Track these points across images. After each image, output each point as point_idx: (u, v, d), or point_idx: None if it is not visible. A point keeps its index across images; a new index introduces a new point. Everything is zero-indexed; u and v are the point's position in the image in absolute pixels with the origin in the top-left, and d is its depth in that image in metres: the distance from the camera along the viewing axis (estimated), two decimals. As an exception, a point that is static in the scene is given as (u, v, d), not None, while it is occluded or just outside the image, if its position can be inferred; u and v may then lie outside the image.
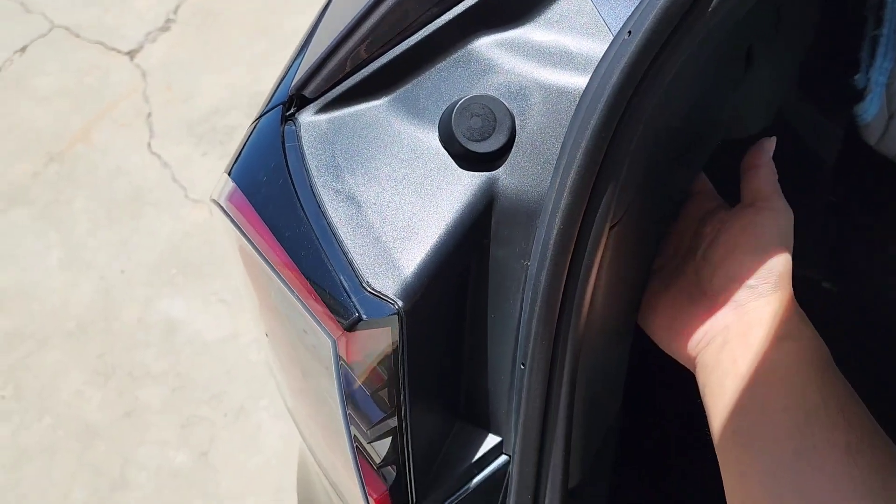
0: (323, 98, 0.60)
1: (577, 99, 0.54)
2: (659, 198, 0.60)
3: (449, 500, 0.61)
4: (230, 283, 2.09)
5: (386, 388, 0.52)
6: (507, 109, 0.55)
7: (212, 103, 2.50)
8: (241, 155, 0.59)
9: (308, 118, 0.60)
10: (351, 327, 0.49)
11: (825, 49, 1.00)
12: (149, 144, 2.49)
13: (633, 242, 0.58)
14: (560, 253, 0.51)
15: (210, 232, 2.20)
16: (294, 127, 0.59)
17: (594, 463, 0.67)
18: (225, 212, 0.57)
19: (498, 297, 0.57)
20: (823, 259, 1.04)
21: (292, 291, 0.51)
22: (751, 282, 0.56)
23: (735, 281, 0.56)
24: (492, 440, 0.62)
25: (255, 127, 0.61)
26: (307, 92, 0.60)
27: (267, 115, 0.61)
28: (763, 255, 0.56)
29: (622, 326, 0.62)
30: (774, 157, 0.99)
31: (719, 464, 0.52)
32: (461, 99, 0.55)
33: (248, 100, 2.45)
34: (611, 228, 0.52)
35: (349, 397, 0.52)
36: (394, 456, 0.56)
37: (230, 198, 0.57)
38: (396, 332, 0.50)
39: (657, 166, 0.56)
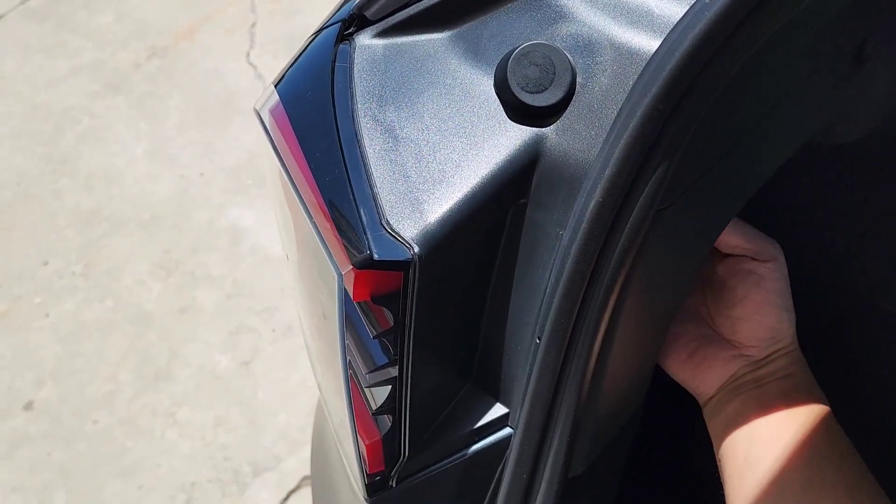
0: (384, 22, 0.56)
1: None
2: (723, 191, 0.54)
3: (442, 462, 0.59)
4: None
5: (391, 335, 0.50)
6: (570, 63, 0.51)
7: (316, 22, 2.49)
8: (292, 68, 0.57)
9: (365, 40, 0.56)
10: (361, 265, 0.46)
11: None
12: (248, 54, 2.50)
13: (684, 233, 0.53)
14: (594, 226, 0.47)
15: (291, 149, 2.21)
16: (349, 47, 0.56)
17: (604, 454, 0.64)
18: (263, 123, 0.55)
19: (528, 262, 0.54)
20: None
21: (310, 216, 0.49)
22: (769, 341, 0.60)
23: (756, 337, 0.60)
24: (498, 409, 0.60)
25: (311, 41, 0.59)
26: (369, 13, 0.57)
27: (325, 30, 0.58)
28: (781, 309, 0.60)
29: (656, 321, 0.58)
30: (875, 168, 0.89)
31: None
32: (522, 44, 0.51)
33: (351, 23, 2.43)
34: (658, 212, 0.48)
35: (351, 337, 0.50)
36: (391, 405, 0.54)
37: (272, 110, 0.55)
38: (409, 277, 0.47)
39: (726, 155, 0.51)
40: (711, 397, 0.61)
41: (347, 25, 0.57)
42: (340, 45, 0.56)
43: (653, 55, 0.46)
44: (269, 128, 0.54)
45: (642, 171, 0.46)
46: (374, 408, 0.54)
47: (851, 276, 0.96)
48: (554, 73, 0.50)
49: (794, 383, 0.58)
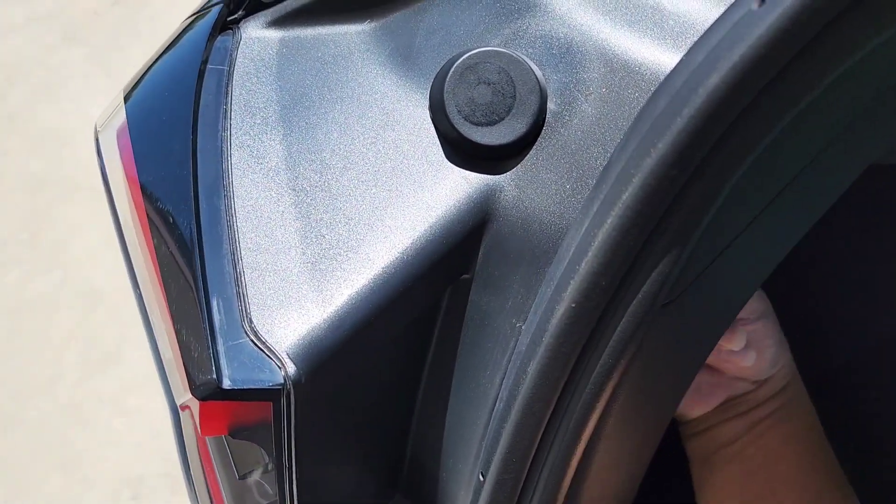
0: (284, 5, 0.40)
1: (657, 86, 0.32)
2: (749, 265, 0.39)
3: None
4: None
5: (268, 473, 0.34)
6: (538, 81, 0.34)
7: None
8: (150, 71, 0.40)
9: (255, 31, 0.40)
10: (205, 394, 0.31)
11: None
12: (216, 3, 2.31)
13: (691, 329, 0.38)
14: (564, 340, 0.31)
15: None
16: (231, 41, 0.40)
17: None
18: (98, 151, 0.38)
19: (472, 360, 0.38)
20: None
21: (142, 304, 0.33)
22: (769, 370, 0.55)
23: (757, 370, 0.55)
24: (432, 532, 0.45)
25: (182, 30, 0.42)
26: (263, -8, 0.40)
27: (206, 15, 0.42)
28: (777, 349, 0.55)
29: (648, 435, 0.43)
30: None
31: None
32: (468, 52, 0.34)
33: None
34: (661, 307, 0.32)
35: (206, 475, 0.35)
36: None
37: (118, 133, 0.38)
38: (282, 408, 0.31)
39: (755, 221, 0.35)
40: (696, 417, 0.56)
41: (232, 9, 0.40)
42: (219, 38, 0.40)
43: (664, 81, 0.29)
44: (105, 159, 0.37)
45: (638, 266, 0.30)
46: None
47: (877, 311, 0.83)
48: (513, 97, 0.34)
49: (788, 405, 0.56)
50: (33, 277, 1.86)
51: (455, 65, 0.34)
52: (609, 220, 0.29)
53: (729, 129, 0.27)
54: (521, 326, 0.35)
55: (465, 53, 0.35)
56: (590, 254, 0.29)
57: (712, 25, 0.28)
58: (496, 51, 0.34)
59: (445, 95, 0.34)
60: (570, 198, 0.34)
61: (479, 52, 0.34)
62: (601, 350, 0.32)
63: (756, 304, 0.56)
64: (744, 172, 0.30)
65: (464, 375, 0.39)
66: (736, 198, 0.33)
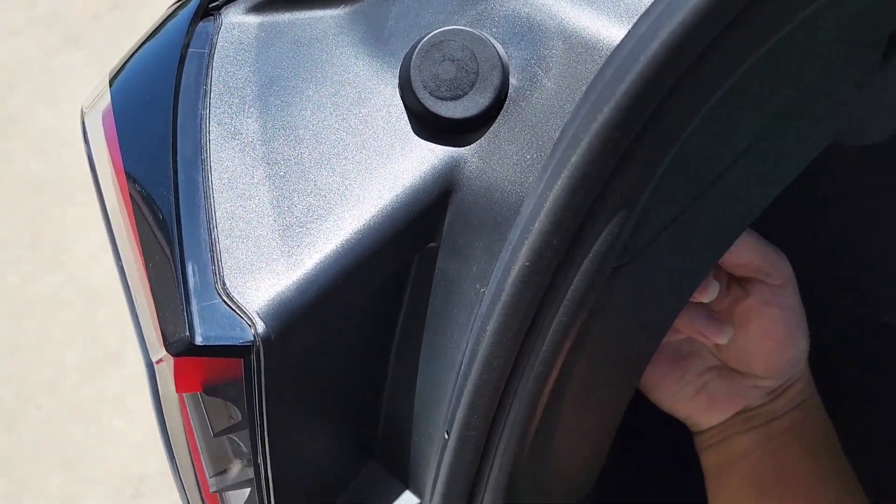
0: (261, -9, 0.42)
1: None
2: (710, 229, 0.40)
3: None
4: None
5: (241, 431, 0.36)
6: (500, 58, 0.36)
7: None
8: (134, 56, 0.42)
9: (236, 17, 0.42)
10: (178, 350, 0.33)
11: None
12: (216, 7, 2.34)
13: (654, 288, 0.40)
14: (518, 299, 0.33)
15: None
16: (212, 27, 0.42)
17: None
18: (84, 133, 0.40)
19: (441, 325, 0.40)
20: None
21: (123, 274, 0.35)
22: (788, 370, 0.54)
23: (775, 370, 0.54)
24: (408, 500, 0.46)
25: (169, 14, 0.44)
26: (242, -21, 0.42)
27: (189, 2, 0.43)
28: (798, 335, 0.54)
29: (615, 391, 0.44)
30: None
31: None
32: (434, 31, 0.36)
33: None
34: (615, 269, 0.34)
35: (185, 434, 0.37)
36: (256, 508, 0.40)
37: (103, 116, 0.40)
38: (253, 364, 0.33)
39: (711, 187, 0.37)
40: (712, 427, 0.55)
41: (215, -6, 0.42)
42: (201, 24, 0.42)
43: (612, 52, 0.31)
44: (90, 141, 0.39)
45: (587, 226, 0.31)
46: (234, 514, 0.40)
47: (859, 291, 0.84)
48: (476, 73, 0.36)
49: (804, 414, 0.54)
50: (35, 278, 1.88)
51: (421, 42, 0.36)
52: (559, 182, 0.31)
53: (669, 93, 0.29)
54: (483, 291, 0.37)
55: (430, 32, 0.36)
56: (542, 215, 0.31)
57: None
58: (460, 29, 0.36)
59: (412, 72, 0.36)
60: (530, 167, 0.36)
61: (444, 30, 0.36)
62: (556, 308, 0.33)
63: (785, 272, 0.53)
64: (689, 138, 0.32)
65: (433, 341, 0.41)
66: (685, 163, 0.34)
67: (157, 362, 0.34)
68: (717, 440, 0.54)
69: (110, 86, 0.42)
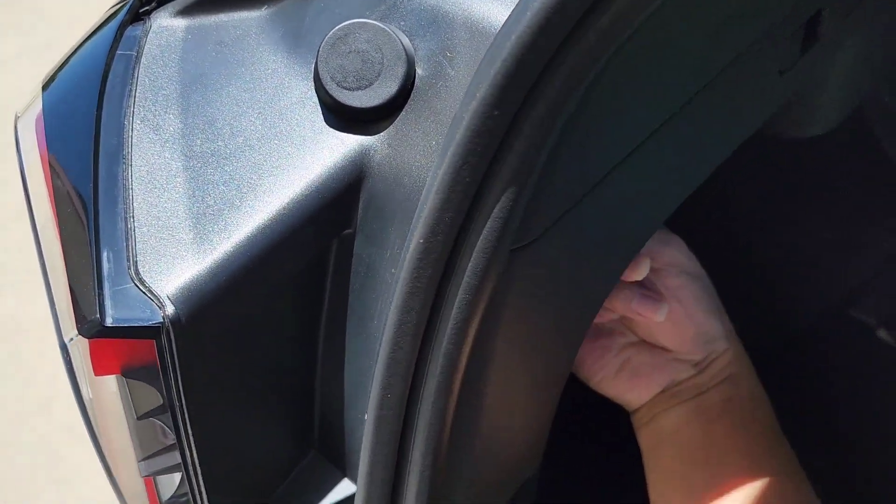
0: (188, -5, 0.44)
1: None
2: (620, 216, 0.41)
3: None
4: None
5: (164, 414, 0.37)
6: (404, 49, 0.38)
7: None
8: (68, 61, 0.44)
9: (164, 20, 0.44)
10: (91, 332, 0.34)
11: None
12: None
13: (568, 271, 0.41)
14: (418, 276, 0.34)
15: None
16: (141, 30, 0.43)
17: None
18: (17, 141, 0.42)
19: (362, 310, 0.41)
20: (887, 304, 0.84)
21: (42, 258, 0.36)
22: (699, 343, 0.55)
23: (685, 342, 0.54)
24: (347, 488, 0.47)
25: (102, 21, 0.46)
26: (169, -16, 0.44)
27: (121, 9, 0.45)
28: (713, 309, 0.55)
29: (546, 369, 0.45)
30: (841, 171, 0.79)
31: None
32: (338, 26, 0.38)
33: None
34: (515, 251, 0.35)
35: (107, 419, 0.38)
36: (184, 493, 0.41)
37: (36, 120, 0.42)
38: (165, 345, 0.35)
39: (617, 171, 0.38)
40: (643, 405, 0.55)
41: (144, 1, 0.44)
42: (130, 28, 0.43)
43: (494, 38, 0.33)
44: (21, 144, 0.41)
45: (478, 203, 0.33)
46: (162, 499, 0.41)
47: (820, 284, 0.85)
48: (381, 63, 0.38)
49: (734, 388, 0.54)
50: (30, 302, 1.90)
51: (327, 36, 0.38)
52: (445, 161, 0.32)
53: (545, 71, 0.31)
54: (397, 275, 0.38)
55: (337, 26, 0.38)
56: (432, 193, 0.33)
57: None
58: (364, 22, 0.38)
59: (319, 64, 0.38)
60: (436, 153, 0.37)
61: (349, 24, 0.38)
62: (458, 285, 0.34)
63: (677, 258, 0.54)
64: (580, 120, 0.33)
65: (357, 327, 0.42)
66: (580, 146, 0.36)
67: (69, 342, 0.35)
68: (648, 418, 0.55)
69: (43, 91, 0.43)
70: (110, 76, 0.41)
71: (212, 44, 0.43)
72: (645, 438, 0.55)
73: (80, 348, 0.35)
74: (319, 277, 0.41)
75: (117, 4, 0.46)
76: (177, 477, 0.42)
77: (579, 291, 0.43)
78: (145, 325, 0.34)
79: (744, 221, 0.77)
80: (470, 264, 0.34)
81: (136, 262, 0.35)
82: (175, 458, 0.40)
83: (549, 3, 0.29)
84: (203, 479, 0.40)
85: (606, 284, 0.45)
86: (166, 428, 0.38)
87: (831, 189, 0.76)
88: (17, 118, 0.44)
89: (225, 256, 0.36)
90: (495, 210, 0.33)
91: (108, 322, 0.34)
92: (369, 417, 0.38)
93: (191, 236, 0.36)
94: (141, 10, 0.44)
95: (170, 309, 0.34)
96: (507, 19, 0.31)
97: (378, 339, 0.41)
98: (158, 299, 0.34)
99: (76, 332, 0.34)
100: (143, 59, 0.42)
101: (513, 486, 0.51)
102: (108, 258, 0.35)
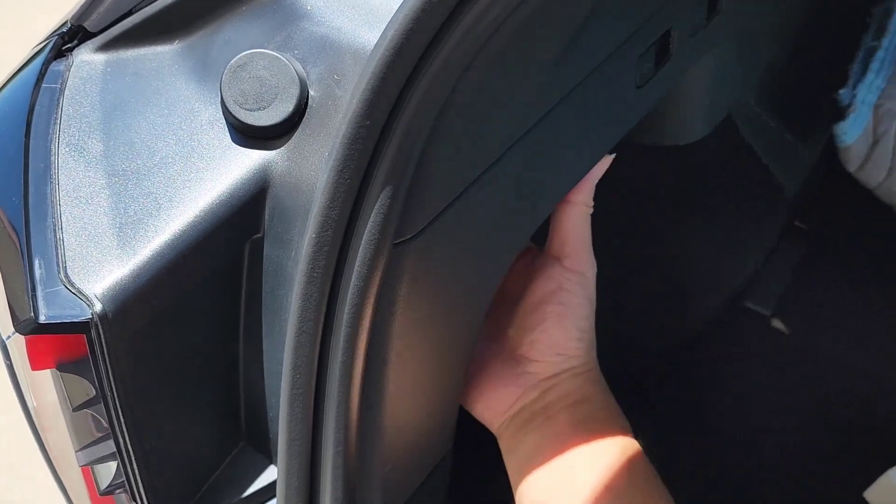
0: (106, 33, 0.49)
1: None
2: (498, 214, 0.47)
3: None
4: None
5: (97, 406, 0.42)
6: (297, 74, 0.43)
7: None
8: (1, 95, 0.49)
9: (85, 56, 0.49)
10: (26, 329, 0.39)
11: (806, 55, 0.85)
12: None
13: (452, 264, 0.46)
14: (313, 267, 0.39)
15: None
16: (65, 65, 0.48)
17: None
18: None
19: (274, 303, 0.47)
20: (776, 293, 0.91)
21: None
22: (555, 356, 0.54)
23: (541, 350, 0.54)
24: (272, 473, 0.52)
25: (28, 59, 0.50)
26: (89, 23, 0.49)
27: (46, 46, 0.50)
28: (573, 326, 0.54)
29: (448, 354, 0.51)
30: (719, 174, 0.85)
31: None
32: (238, 55, 0.43)
33: None
34: (398, 244, 0.41)
35: (46, 411, 0.42)
36: (121, 481, 0.46)
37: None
38: (95, 339, 0.39)
39: (489, 172, 0.44)
40: (504, 429, 0.55)
41: (67, 39, 0.49)
42: (54, 63, 0.48)
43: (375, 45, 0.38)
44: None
45: (360, 201, 0.38)
46: (100, 487, 0.46)
47: (717, 281, 0.92)
48: (277, 87, 0.43)
49: (588, 410, 0.53)
50: None
51: (229, 65, 0.43)
52: (330, 164, 0.38)
53: (405, 87, 0.36)
54: (302, 272, 0.43)
55: (237, 56, 0.44)
56: (321, 192, 0.38)
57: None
58: (261, 52, 0.43)
59: (223, 89, 0.43)
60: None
61: (247, 53, 0.43)
62: (350, 274, 0.40)
63: (537, 285, 0.53)
64: (442, 122, 0.39)
65: (271, 322, 0.47)
66: (450, 152, 0.41)
67: (7, 340, 0.40)
68: (512, 443, 0.54)
69: (-24, 122, 0.48)
70: (37, 106, 0.46)
71: (130, 75, 0.48)
72: (511, 467, 0.54)
73: (18, 345, 0.39)
74: (236, 278, 0.46)
75: (42, 43, 0.51)
76: (113, 466, 0.46)
77: (468, 281, 0.49)
78: (76, 320, 0.38)
79: (630, 228, 0.83)
80: (359, 256, 0.40)
81: (66, 267, 0.40)
82: (110, 447, 0.44)
83: (398, 35, 0.35)
84: (137, 466, 0.45)
85: (494, 275, 0.51)
86: (100, 418, 0.43)
87: (712, 191, 0.84)
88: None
89: (146, 259, 0.41)
90: (375, 207, 0.39)
91: (42, 319, 0.38)
92: (283, 398, 0.43)
93: (115, 243, 0.41)
94: (64, 48, 0.49)
95: (97, 306, 0.39)
96: (375, 45, 0.37)
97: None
98: (87, 298, 0.39)
99: (13, 330, 0.39)
100: (67, 91, 0.47)
101: (428, 464, 0.56)
102: (39, 265, 0.40)
